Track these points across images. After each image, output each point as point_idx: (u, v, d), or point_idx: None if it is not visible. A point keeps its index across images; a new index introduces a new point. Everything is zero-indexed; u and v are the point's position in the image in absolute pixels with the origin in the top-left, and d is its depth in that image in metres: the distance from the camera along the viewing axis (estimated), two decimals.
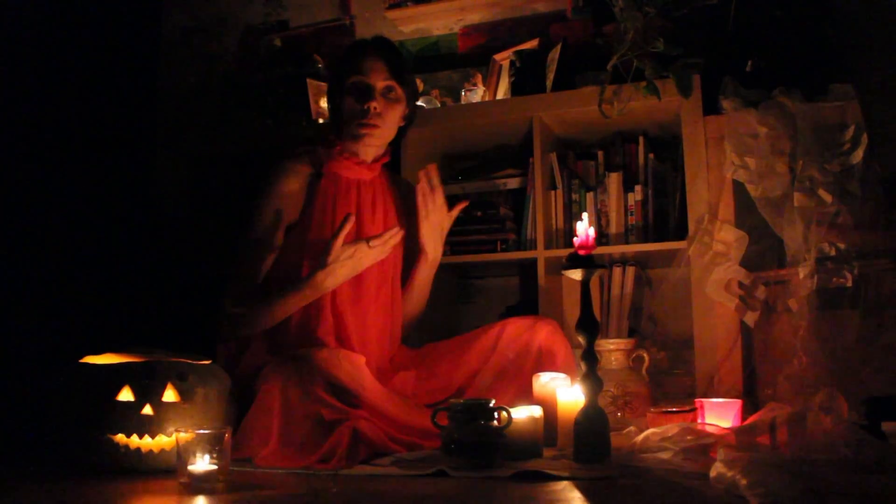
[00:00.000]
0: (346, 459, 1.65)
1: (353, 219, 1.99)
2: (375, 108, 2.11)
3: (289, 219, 2.13)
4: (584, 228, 1.74)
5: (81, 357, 1.79)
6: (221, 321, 2.08)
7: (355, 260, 1.99)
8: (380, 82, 2.13)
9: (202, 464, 1.51)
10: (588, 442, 1.67)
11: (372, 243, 1.99)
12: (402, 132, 2.29)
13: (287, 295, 2.02)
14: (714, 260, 2.24)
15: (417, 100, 2.39)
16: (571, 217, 2.55)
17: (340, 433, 1.69)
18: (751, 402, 2.10)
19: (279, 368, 1.84)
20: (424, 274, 2.25)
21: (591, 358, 1.72)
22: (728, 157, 2.22)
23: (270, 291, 2.07)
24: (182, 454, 1.51)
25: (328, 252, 1.96)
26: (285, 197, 2.11)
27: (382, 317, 2.18)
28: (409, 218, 2.28)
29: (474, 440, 1.64)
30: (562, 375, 1.96)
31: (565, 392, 1.88)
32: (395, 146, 2.52)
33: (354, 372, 1.84)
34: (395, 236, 2.02)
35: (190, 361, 1.77)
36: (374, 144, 2.19)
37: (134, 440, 1.65)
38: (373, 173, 2.23)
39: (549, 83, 2.54)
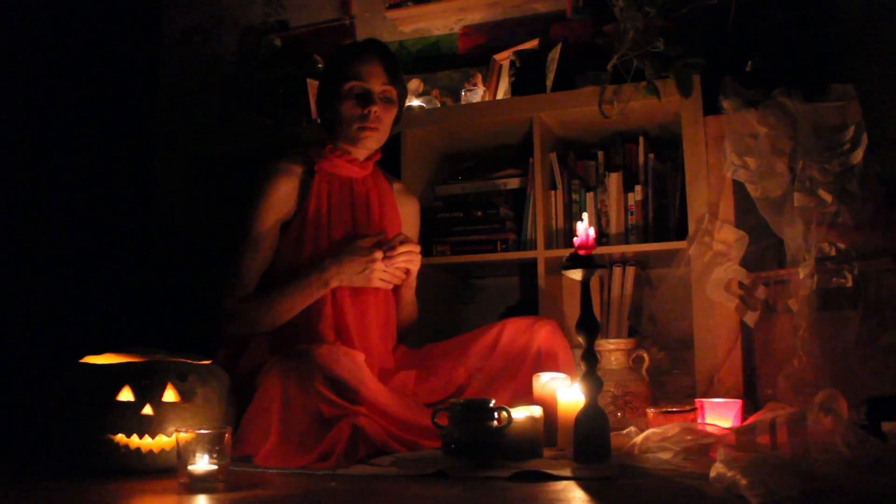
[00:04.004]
0: (345, 457, 1.65)
1: (383, 236, 2.10)
2: (376, 113, 2.14)
3: (283, 218, 2.15)
4: (584, 228, 1.74)
5: (81, 357, 1.79)
6: (222, 323, 2.08)
7: (367, 261, 2.04)
8: (378, 86, 2.16)
9: (202, 464, 1.51)
10: (588, 442, 1.67)
11: (388, 253, 2.07)
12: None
13: (296, 283, 2.04)
14: (714, 260, 2.24)
15: (406, 100, 2.41)
16: (571, 217, 2.55)
17: (340, 430, 1.69)
18: (751, 402, 2.11)
19: (279, 364, 1.84)
20: (409, 294, 2.27)
21: (591, 358, 1.72)
22: (728, 157, 2.22)
23: (270, 289, 2.08)
24: (182, 454, 1.51)
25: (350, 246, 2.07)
26: (278, 197, 2.13)
27: (383, 312, 2.19)
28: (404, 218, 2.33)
29: (474, 440, 1.64)
30: (562, 375, 1.96)
31: (565, 392, 1.88)
32: (393, 146, 2.52)
33: (354, 368, 1.85)
34: (407, 261, 2.11)
35: (190, 361, 1.77)
36: (371, 147, 2.22)
37: (134, 440, 1.65)
38: (365, 171, 2.25)
39: (549, 83, 2.54)
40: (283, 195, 2.14)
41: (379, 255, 2.05)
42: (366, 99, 2.15)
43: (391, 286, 2.15)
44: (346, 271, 2.04)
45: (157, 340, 2.15)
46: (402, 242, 2.11)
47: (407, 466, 1.64)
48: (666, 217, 2.50)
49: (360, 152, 2.22)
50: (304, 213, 2.14)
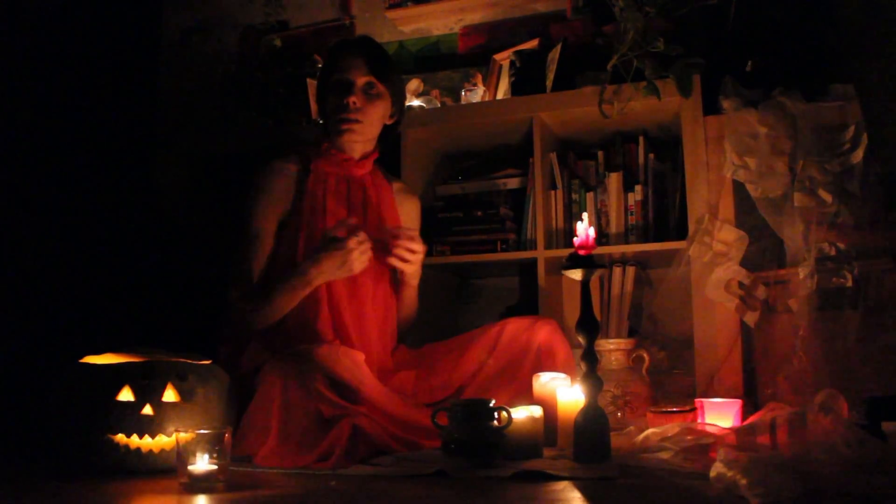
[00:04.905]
0: (345, 457, 1.65)
1: (349, 221, 2.01)
2: (355, 103, 2.15)
3: (280, 216, 2.15)
4: (584, 228, 1.74)
5: (81, 357, 1.79)
6: (227, 319, 2.09)
7: (344, 254, 1.98)
8: (360, 78, 2.17)
9: (202, 464, 1.51)
10: (588, 442, 1.67)
11: (394, 242, 2.05)
12: (390, 130, 2.30)
13: (282, 286, 2.03)
14: (714, 260, 2.24)
15: (405, 98, 2.40)
16: (571, 217, 2.55)
17: (340, 429, 1.69)
18: (751, 402, 2.10)
19: (279, 365, 1.84)
20: (411, 292, 2.27)
21: (591, 358, 1.72)
22: (728, 157, 2.22)
23: (265, 288, 2.08)
24: (182, 454, 1.51)
25: (320, 243, 2.01)
26: (274, 195, 2.14)
27: (382, 312, 2.19)
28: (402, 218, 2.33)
29: (474, 440, 1.64)
30: (562, 375, 1.96)
31: (565, 392, 1.88)
32: (393, 147, 2.53)
33: (354, 368, 1.85)
34: (404, 257, 2.08)
35: (190, 361, 1.77)
36: (357, 140, 2.20)
37: (134, 440, 1.65)
38: (362, 170, 2.25)
39: (549, 83, 2.54)
40: (278, 194, 2.15)
41: (353, 243, 1.97)
42: (346, 90, 2.16)
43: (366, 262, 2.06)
44: (325, 269, 2.00)
45: (157, 340, 2.15)
46: (410, 238, 2.11)
47: (407, 466, 1.64)
48: (666, 217, 2.50)
49: (351, 147, 2.21)
50: (300, 212, 2.15)
